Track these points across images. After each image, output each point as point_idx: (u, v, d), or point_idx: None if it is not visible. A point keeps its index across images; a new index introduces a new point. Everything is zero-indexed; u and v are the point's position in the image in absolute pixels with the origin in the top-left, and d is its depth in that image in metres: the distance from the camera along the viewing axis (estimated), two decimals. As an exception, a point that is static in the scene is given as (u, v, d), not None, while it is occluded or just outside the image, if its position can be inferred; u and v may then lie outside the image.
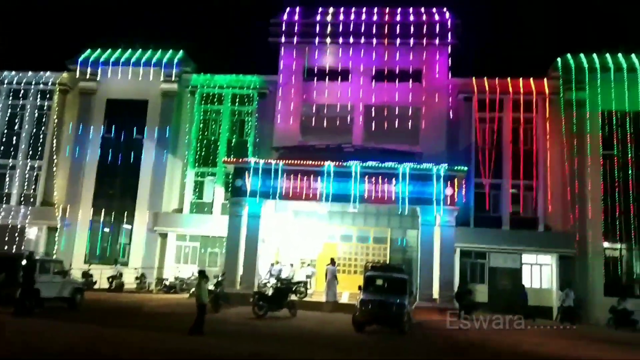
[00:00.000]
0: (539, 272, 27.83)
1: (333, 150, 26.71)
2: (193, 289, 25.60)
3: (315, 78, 30.74)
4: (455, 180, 24.07)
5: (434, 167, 24.14)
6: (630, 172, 27.63)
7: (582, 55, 29.21)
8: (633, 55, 28.81)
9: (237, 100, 31.04)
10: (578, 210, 27.50)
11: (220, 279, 23.28)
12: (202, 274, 16.16)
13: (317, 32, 30.83)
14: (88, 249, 30.55)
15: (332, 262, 24.42)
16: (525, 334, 19.01)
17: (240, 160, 26.22)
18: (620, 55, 28.92)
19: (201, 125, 31.09)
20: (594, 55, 29.09)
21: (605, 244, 27.36)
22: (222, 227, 26.56)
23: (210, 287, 19.91)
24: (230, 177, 27.17)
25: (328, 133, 29.95)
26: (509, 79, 29.52)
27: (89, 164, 31.19)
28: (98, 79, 31.91)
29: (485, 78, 29.64)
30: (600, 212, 27.41)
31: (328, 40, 30.74)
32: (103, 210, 30.72)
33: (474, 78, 29.75)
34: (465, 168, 24.95)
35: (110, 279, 27.54)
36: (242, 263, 24.68)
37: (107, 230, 30.76)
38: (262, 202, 24.82)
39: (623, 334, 22.09)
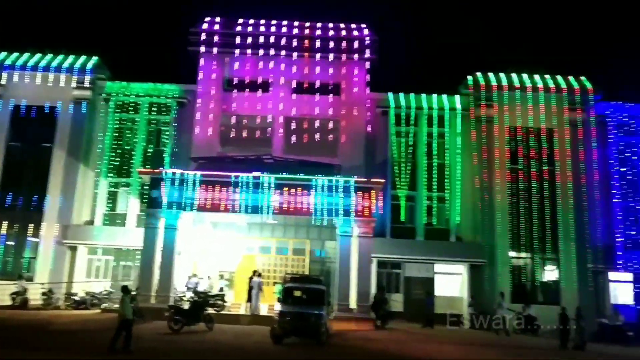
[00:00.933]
0: (451, 281, 28.92)
1: (252, 161, 26.60)
2: (105, 305, 24.78)
3: (235, 89, 30.58)
4: (373, 192, 24.59)
5: (352, 179, 24.57)
6: (534, 185, 29.36)
7: (491, 74, 30.81)
8: (536, 76, 30.71)
9: (155, 109, 30.29)
10: (487, 222, 28.86)
11: (134, 293, 22.51)
12: (126, 290, 15.51)
13: (237, 43, 30.69)
14: (-11, 263, 28.62)
15: (258, 274, 24.42)
16: (441, 342, 19.70)
17: (157, 170, 25.47)
18: (525, 75, 30.76)
19: (116, 133, 30.07)
20: (502, 74, 30.76)
21: (512, 254, 28.83)
22: (137, 239, 25.74)
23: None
24: (145, 187, 26.45)
25: (248, 144, 29.84)
26: (423, 94, 30.69)
27: (-9, 172, 29.30)
28: (3, 83, 30.12)
29: (401, 93, 30.66)
30: (507, 223, 28.90)
31: (248, 51, 30.69)
32: (6, 222, 28.85)
33: (390, 93, 30.69)
34: (382, 180, 25.56)
35: (14, 296, 25.89)
36: (157, 276, 23.99)
37: (10, 243, 28.93)
38: (179, 214, 24.28)
39: (527, 338, 23.35)
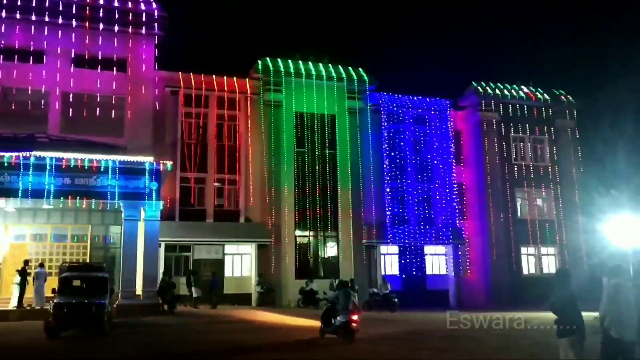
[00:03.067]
0: (240, 261, 29.56)
1: (23, 140, 23.95)
2: None
3: (1, 57, 27.10)
4: (161, 174, 23.87)
5: (138, 161, 23.52)
6: (317, 168, 31.23)
7: (279, 59, 31.78)
8: (321, 65, 32.52)
9: None
10: (275, 203, 29.96)
11: None
12: None
13: (2, 3, 27.20)
14: None
15: (41, 264, 22.36)
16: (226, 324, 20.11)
17: None
18: (310, 63, 32.37)
19: None
20: (290, 61, 31.94)
21: (297, 232, 30.42)
22: None
23: None
24: None
25: (17, 120, 26.62)
26: (214, 76, 30.49)
27: None
28: None
29: (191, 73, 30.11)
30: (293, 203, 30.35)
31: (18, 15, 27.38)
32: None
33: (180, 72, 29.95)
34: (171, 162, 24.90)
35: None
36: None
37: None
38: None
39: (309, 310, 24.97)
